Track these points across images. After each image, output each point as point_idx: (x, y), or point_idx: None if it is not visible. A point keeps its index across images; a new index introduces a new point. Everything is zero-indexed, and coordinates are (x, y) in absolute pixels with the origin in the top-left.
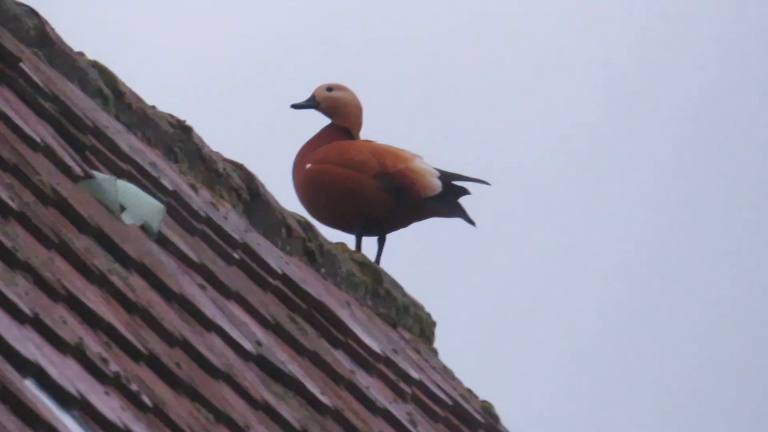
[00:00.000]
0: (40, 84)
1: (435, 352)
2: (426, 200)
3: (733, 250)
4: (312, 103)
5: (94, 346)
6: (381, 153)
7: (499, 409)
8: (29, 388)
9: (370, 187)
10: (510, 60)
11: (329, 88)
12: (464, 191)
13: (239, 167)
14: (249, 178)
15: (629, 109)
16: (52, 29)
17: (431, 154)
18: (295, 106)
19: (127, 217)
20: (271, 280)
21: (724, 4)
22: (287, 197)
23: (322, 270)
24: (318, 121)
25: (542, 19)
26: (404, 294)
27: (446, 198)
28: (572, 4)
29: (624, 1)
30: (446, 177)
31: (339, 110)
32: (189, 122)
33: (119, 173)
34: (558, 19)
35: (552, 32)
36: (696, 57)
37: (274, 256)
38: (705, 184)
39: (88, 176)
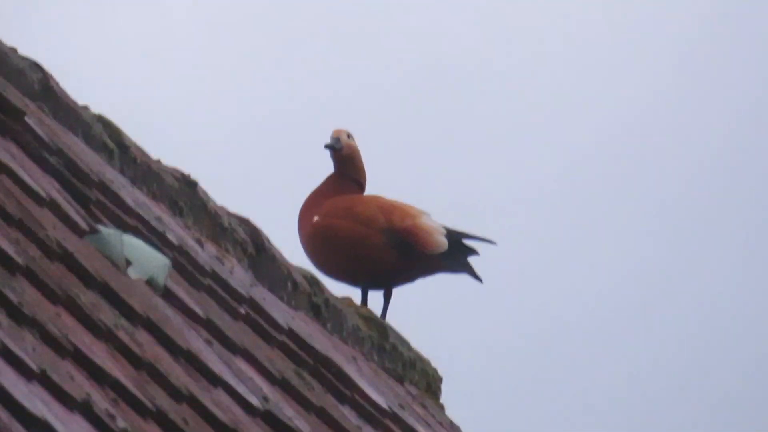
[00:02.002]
0: (45, 138)
1: (442, 407)
2: (432, 257)
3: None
4: (338, 146)
5: (101, 402)
6: (389, 209)
7: None
8: None
9: (377, 243)
10: (521, 105)
11: (348, 135)
12: (472, 251)
13: (244, 221)
14: (254, 232)
15: (639, 163)
16: (56, 83)
17: (437, 209)
18: (330, 148)
19: (132, 272)
20: (277, 335)
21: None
22: (292, 251)
23: (328, 325)
24: (321, 169)
25: (554, 64)
26: (410, 349)
27: (453, 255)
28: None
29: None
30: (453, 235)
31: (353, 160)
32: (194, 176)
33: (125, 228)
34: (571, 62)
35: (560, 79)
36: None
37: (280, 311)
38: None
39: (94, 231)
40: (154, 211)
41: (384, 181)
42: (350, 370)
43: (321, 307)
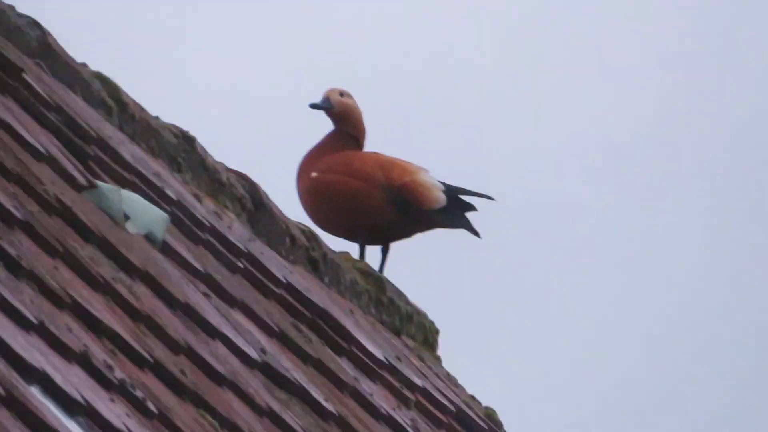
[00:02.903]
0: (43, 94)
1: (438, 359)
2: (430, 213)
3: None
4: (327, 105)
5: (99, 353)
6: (387, 165)
7: (502, 416)
8: (35, 395)
9: (375, 199)
10: (524, 83)
11: (341, 93)
12: (470, 207)
13: (243, 177)
14: (252, 187)
15: (653, 129)
16: (55, 40)
17: (435, 167)
18: (314, 106)
19: (131, 227)
20: (275, 288)
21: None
22: (291, 206)
23: (326, 279)
24: (321, 127)
25: (564, 50)
26: (408, 302)
27: (451, 210)
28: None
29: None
30: (451, 191)
31: (349, 117)
32: (192, 132)
33: (123, 183)
34: (581, 53)
35: (571, 64)
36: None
37: (277, 265)
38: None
39: (92, 186)
40: (153, 167)
41: (389, 145)
42: (348, 323)
43: (319, 262)
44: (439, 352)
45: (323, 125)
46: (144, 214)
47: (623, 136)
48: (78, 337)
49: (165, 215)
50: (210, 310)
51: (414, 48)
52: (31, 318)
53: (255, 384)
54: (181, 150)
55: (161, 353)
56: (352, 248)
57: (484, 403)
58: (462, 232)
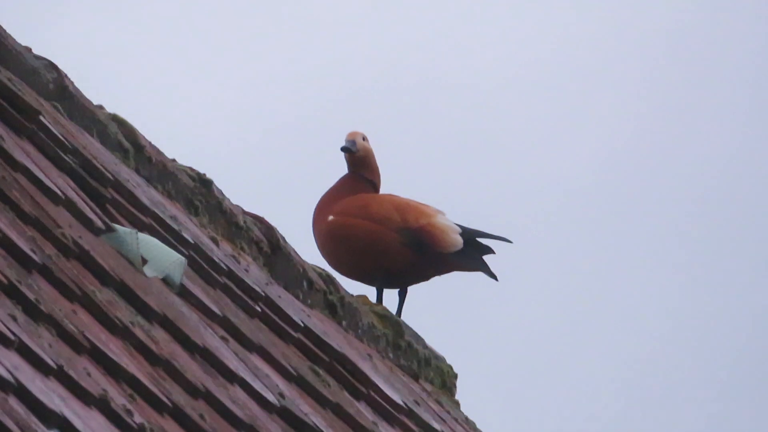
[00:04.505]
0: (60, 137)
1: (457, 404)
2: (447, 255)
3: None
4: (354, 149)
5: (118, 398)
6: (404, 208)
7: None
8: None
9: (392, 242)
10: (534, 114)
11: (364, 138)
12: (488, 249)
13: (259, 220)
14: (269, 230)
15: (657, 164)
16: (71, 82)
17: (452, 209)
18: (345, 150)
19: (149, 270)
20: (292, 332)
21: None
22: (308, 250)
23: (344, 322)
24: (336, 170)
25: (566, 73)
26: (425, 346)
27: (468, 253)
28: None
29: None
30: (468, 234)
31: (368, 161)
32: (209, 176)
33: (140, 226)
34: (584, 70)
35: (573, 87)
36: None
37: (295, 309)
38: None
39: (110, 229)
40: (170, 210)
41: (398, 183)
42: (365, 368)
43: (336, 306)
44: (458, 396)
45: (336, 165)
46: (161, 258)
47: (588, 178)
48: (97, 381)
49: (182, 259)
50: (228, 354)
51: (413, 68)
52: (50, 362)
53: (274, 429)
54: (197, 193)
55: (180, 397)
56: (370, 291)
57: None
58: (479, 275)
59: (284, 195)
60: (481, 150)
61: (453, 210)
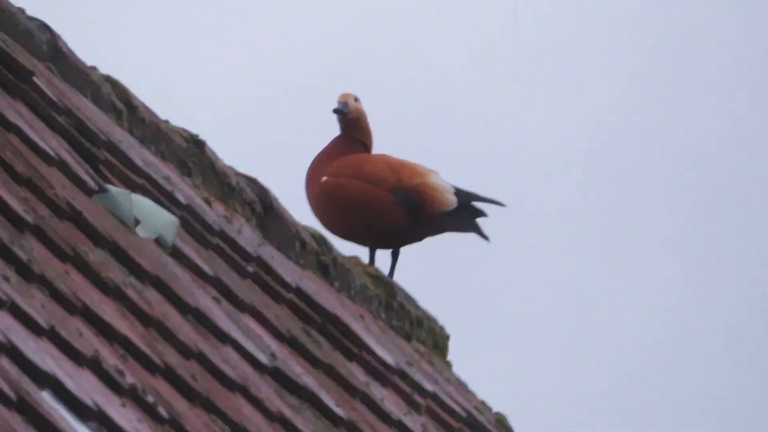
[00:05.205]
0: (54, 98)
1: (449, 365)
2: (441, 215)
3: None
4: (345, 110)
5: (110, 358)
6: (397, 167)
7: (513, 421)
8: (46, 399)
9: (386, 202)
10: (520, 82)
11: (356, 99)
12: (481, 213)
13: (252, 181)
14: (262, 191)
15: (651, 126)
16: (65, 44)
17: (445, 170)
18: (337, 112)
19: (141, 231)
20: (285, 293)
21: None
22: (301, 211)
23: (336, 283)
24: (328, 132)
25: (563, 39)
26: (418, 307)
27: (461, 214)
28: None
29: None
30: (462, 194)
31: (361, 123)
32: (202, 137)
33: (133, 187)
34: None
35: (569, 51)
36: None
37: (288, 270)
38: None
39: (103, 190)
40: (163, 171)
41: (389, 148)
42: (358, 328)
43: (329, 266)
44: (450, 357)
45: (329, 126)
46: (154, 219)
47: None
48: (89, 342)
49: (175, 219)
50: (220, 315)
51: (411, 50)
52: (42, 323)
53: (266, 389)
54: (190, 154)
55: (172, 358)
56: (362, 252)
57: (495, 408)
58: (472, 236)
59: (277, 156)
60: (468, 119)
61: (450, 173)
